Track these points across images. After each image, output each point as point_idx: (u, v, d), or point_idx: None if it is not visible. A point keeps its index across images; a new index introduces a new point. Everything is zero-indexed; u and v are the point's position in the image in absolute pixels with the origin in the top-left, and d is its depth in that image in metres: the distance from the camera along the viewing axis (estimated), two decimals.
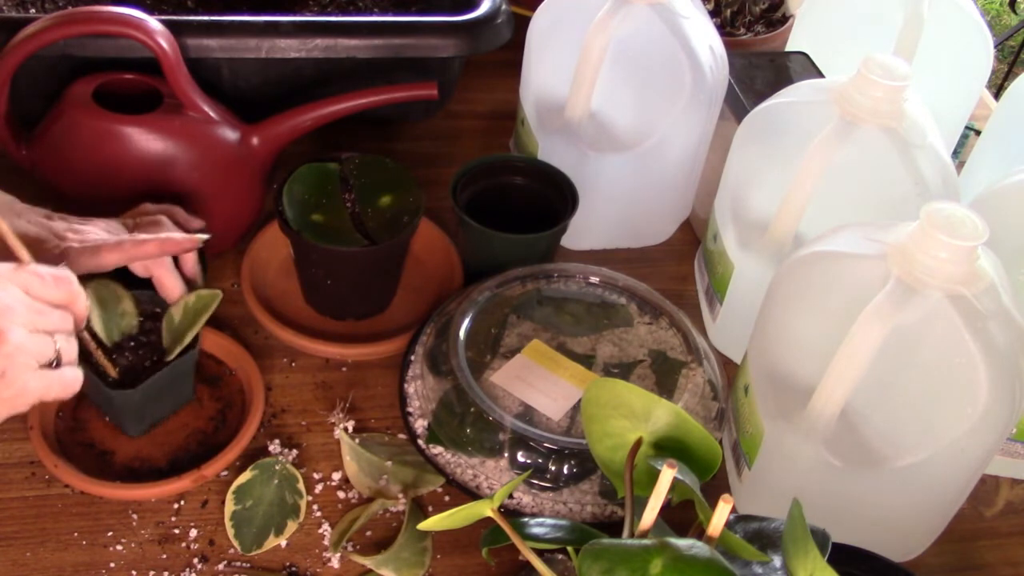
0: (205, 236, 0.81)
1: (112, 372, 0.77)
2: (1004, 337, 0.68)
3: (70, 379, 0.68)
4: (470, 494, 0.79)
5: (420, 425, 0.83)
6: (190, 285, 0.82)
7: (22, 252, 0.68)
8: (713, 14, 1.29)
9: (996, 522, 0.85)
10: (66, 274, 0.69)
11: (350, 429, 0.84)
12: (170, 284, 0.80)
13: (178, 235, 0.80)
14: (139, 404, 0.79)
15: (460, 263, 0.97)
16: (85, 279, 0.78)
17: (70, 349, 0.69)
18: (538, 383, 0.82)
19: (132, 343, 0.80)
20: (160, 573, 0.74)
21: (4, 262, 0.67)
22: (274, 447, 0.82)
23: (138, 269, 0.80)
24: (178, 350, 0.78)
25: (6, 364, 0.64)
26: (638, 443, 0.63)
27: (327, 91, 0.96)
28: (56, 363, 0.67)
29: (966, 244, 0.66)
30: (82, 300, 0.70)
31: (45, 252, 0.74)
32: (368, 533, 0.78)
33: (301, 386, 0.88)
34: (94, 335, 0.77)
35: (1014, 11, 2.43)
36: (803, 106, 0.87)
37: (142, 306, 0.81)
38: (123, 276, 0.80)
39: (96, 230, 0.78)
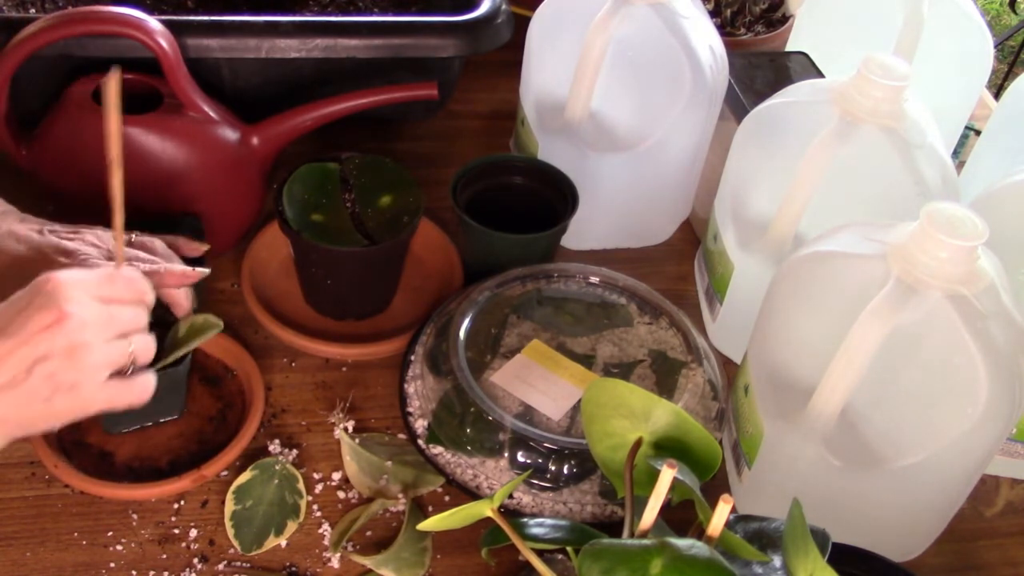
0: (206, 271, 0.80)
1: None
2: (1004, 337, 0.68)
3: (139, 388, 0.68)
4: (470, 494, 0.79)
5: (420, 425, 0.83)
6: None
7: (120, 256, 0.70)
8: (713, 14, 1.29)
9: (996, 522, 0.85)
10: (135, 275, 0.69)
11: (350, 429, 0.84)
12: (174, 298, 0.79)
13: (178, 268, 0.78)
14: None
15: (460, 263, 0.97)
16: None
17: (146, 349, 0.69)
18: (538, 383, 0.82)
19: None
20: (160, 573, 0.74)
21: (73, 268, 0.67)
22: (274, 447, 0.82)
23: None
24: (162, 364, 0.78)
25: (78, 377, 0.64)
26: (638, 443, 0.63)
27: (327, 91, 0.96)
28: (131, 369, 0.68)
29: (966, 244, 0.66)
30: (151, 294, 0.70)
31: (32, 274, 0.71)
32: (368, 533, 0.78)
33: (301, 386, 0.88)
34: None
35: (1014, 11, 2.43)
36: (803, 106, 0.87)
37: (156, 310, 0.81)
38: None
39: (85, 248, 0.75)
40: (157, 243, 0.79)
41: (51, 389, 0.64)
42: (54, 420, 0.66)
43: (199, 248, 0.84)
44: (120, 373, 0.67)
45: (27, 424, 0.65)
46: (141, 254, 0.77)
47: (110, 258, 0.75)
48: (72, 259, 0.74)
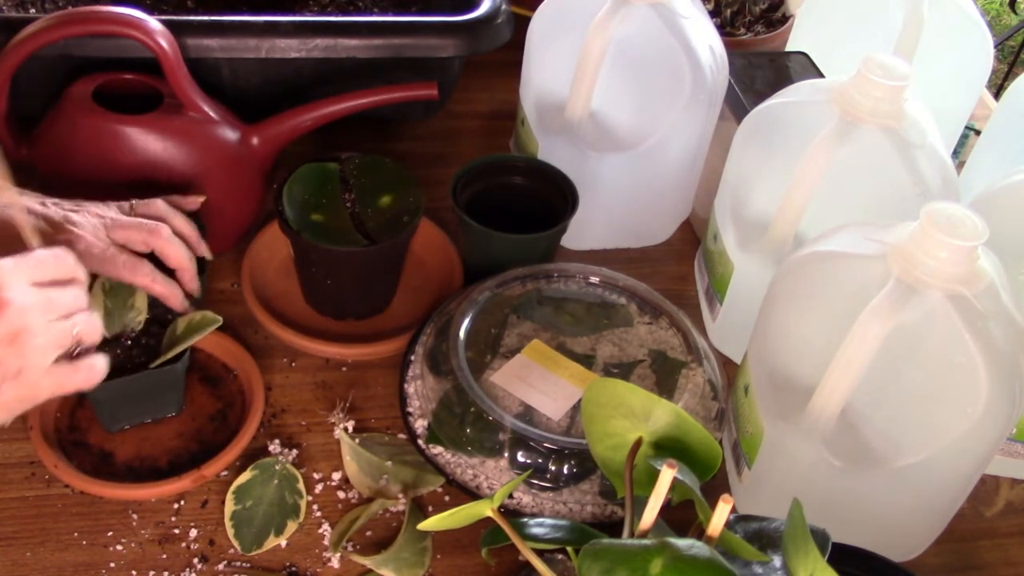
0: (207, 258, 0.83)
1: None
2: (1004, 337, 0.68)
3: (86, 370, 0.67)
4: (470, 494, 0.79)
5: (420, 425, 0.83)
6: (189, 298, 0.81)
7: (32, 241, 0.69)
8: (713, 14, 1.29)
9: (996, 522, 0.85)
10: (61, 252, 0.67)
11: (350, 429, 0.84)
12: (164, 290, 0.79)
13: (176, 252, 0.79)
14: (107, 401, 0.79)
15: (460, 263, 0.97)
16: None
17: (89, 328, 0.67)
18: (538, 383, 0.82)
19: (130, 340, 0.80)
20: (160, 573, 0.74)
21: (2, 257, 0.66)
22: (274, 447, 0.82)
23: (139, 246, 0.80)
24: (160, 360, 0.78)
25: (23, 363, 0.63)
26: (638, 443, 0.63)
27: (327, 91, 0.96)
28: (77, 351, 0.67)
29: (966, 244, 0.66)
30: (82, 271, 0.69)
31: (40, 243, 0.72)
32: (368, 533, 0.78)
33: (301, 386, 0.88)
34: None
35: (1014, 11, 2.43)
36: (803, 106, 0.87)
37: (156, 308, 0.81)
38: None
39: (90, 219, 0.77)
40: (159, 204, 0.80)
41: None
42: (3, 411, 0.64)
43: (196, 201, 0.85)
44: (67, 356, 0.66)
45: None
46: (133, 236, 0.77)
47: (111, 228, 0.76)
48: (79, 229, 0.74)
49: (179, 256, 0.79)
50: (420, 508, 0.80)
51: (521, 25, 1.05)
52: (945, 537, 0.81)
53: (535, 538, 0.63)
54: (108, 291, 0.79)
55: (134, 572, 0.74)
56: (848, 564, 0.67)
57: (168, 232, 0.79)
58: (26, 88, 0.89)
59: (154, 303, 0.81)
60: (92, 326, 0.68)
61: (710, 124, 0.99)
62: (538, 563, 0.61)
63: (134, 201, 0.80)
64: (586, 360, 0.85)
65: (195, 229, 0.82)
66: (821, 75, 1.03)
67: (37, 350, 0.64)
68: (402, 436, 0.85)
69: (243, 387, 0.86)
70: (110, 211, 0.78)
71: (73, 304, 0.67)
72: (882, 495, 0.75)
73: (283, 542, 0.77)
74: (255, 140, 0.93)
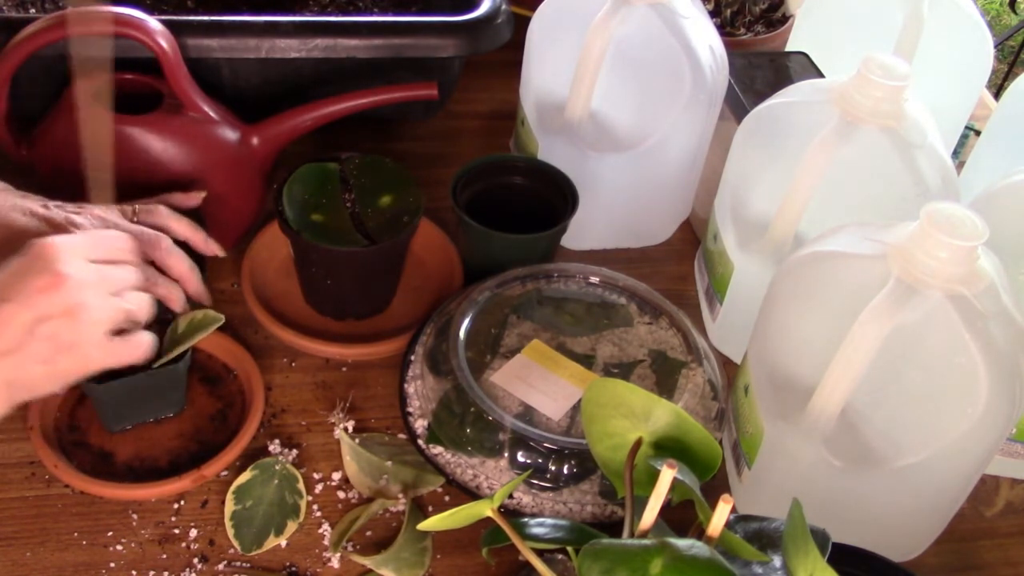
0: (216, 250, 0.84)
1: None
2: (1004, 337, 0.68)
3: (136, 345, 0.71)
4: (470, 494, 0.79)
5: (420, 425, 0.83)
6: (194, 304, 0.82)
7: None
8: (713, 14, 1.29)
9: (996, 522, 0.85)
10: (117, 233, 0.72)
11: (350, 429, 0.84)
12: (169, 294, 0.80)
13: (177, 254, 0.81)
14: (110, 401, 0.79)
15: (460, 263, 0.97)
16: None
17: (141, 305, 0.71)
18: (538, 383, 0.82)
19: None
20: (160, 573, 0.74)
21: (58, 234, 0.70)
22: (274, 447, 0.82)
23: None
24: (163, 360, 0.78)
25: (77, 336, 0.66)
26: (638, 443, 0.63)
27: (327, 91, 0.96)
28: (130, 326, 0.70)
29: (966, 244, 0.66)
30: (135, 253, 0.73)
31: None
32: (368, 533, 0.78)
33: (301, 386, 0.88)
34: None
35: (1014, 11, 2.43)
36: (803, 106, 0.87)
37: (157, 308, 0.81)
38: None
39: (92, 221, 0.78)
40: (161, 210, 0.82)
41: (53, 350, 0.66)
42: (57, 380, 0.68)
43: (198, 197, 0.86)
44: (119, 332, 0.69)
45: (31, 386, 0.67)
46: (146, 231, 0.79)
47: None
48: (81, 231, 0.75)
49: (180, 268, 0.80)
50: (420, 508, 0.80)
51: (521, 25, 1.05)
52: (945, 537, 0.81)
53: (535, 538, 0.63)
54: None
55: (134, 572, 0.74)
56: (848, 564, 0.67)
57: (168, 244, 0.79)
58: (26, 88, 0.89)
59: (156, 302, 0.81)
60: (144, 303, 0.71)
61: (710, 124, 0.99)
62: (538, 563, 0.61)
63: (136, 206, 0.81)
64: (586, 360, 0.85)
65: (199, 230, 0.82)
66: (821, 75, 1.03)
67: (92, 324, 0.67)
68: (402, 436, 0.85)
69: (243, 387, 0.86)
70: (112, 215, 0.79)
71: (126, 281, 0.70)
72: (882, 495, 0.75)
73: (283, 542, 0.77)
74: (255, 140, 0.93)
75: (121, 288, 0.70)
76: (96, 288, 0.67)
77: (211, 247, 0.84)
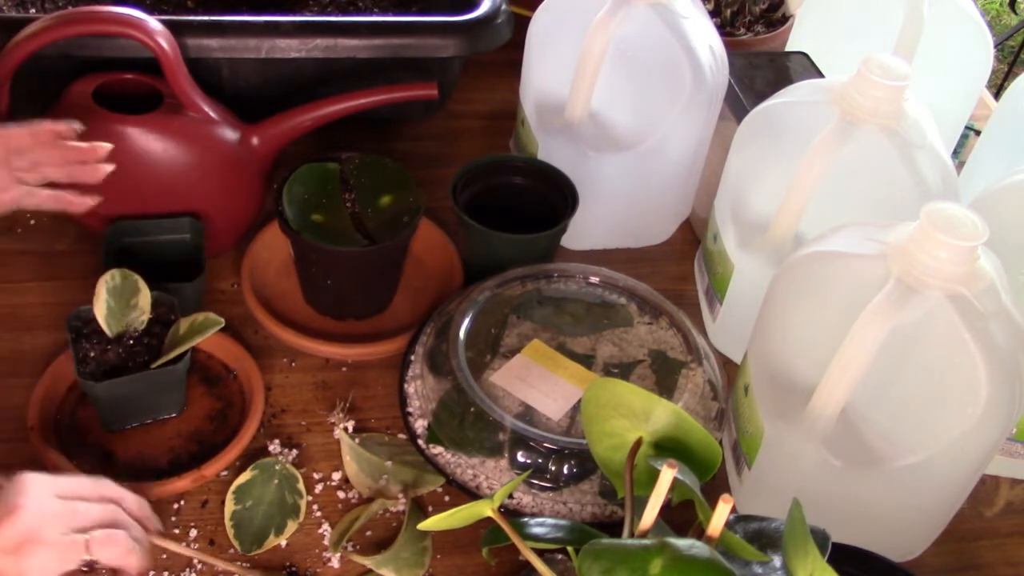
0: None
1: None
2: (1004, 337, 0.68)
3: None
4: (470, 494, 0.79)
5: (420, 425, 0.83)
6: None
7: None
8: (713, 14, 1.29)
9: (996, 522, 0.85)
10: (104, 480, 0.67)
11: (350, 429, 0.84)
12: None
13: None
14: (110, 401, 0.79)
15: (460, 263, 0.97)
16: (109, 266, 0.80)
17: (108, 542, 0.63)
18: (538, 383, 0.82)
19: (131, 340, 0.80)
20: (160, 573, 0.74)
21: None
22: (274, 447, 0.82)
23: None
24: (162, 360, 0.78)
25: (24, 573, 0.61)
26: (638, 443, 0.63)
27: (327, 91, 0.96)
28: (91, 567, 0.63)
29: (966, 244, 0.66)
30: (129, 498, 0.68)
31: None
32: (368, 533, 0.78)
33: (301, 386, 0.88)
34: (90, 319, 0.78)
35: (1014, 11, 2.43)
36: (803, 106, 0.87)
37: (158, 308, 0.81)
38: (148, 274, 0.81)
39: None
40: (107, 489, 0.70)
41: None
42: None
43: (104, 170, 0.82)
44: (78, 572, 0.63)
45: None
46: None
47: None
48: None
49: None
50: (420, 508, 0.80)
51: (521, 25, 1.05)
52: (945, 537, 0.81)
53: (535, 538, 0.63)
54: (111, 290, 0.79)
55: None
56: (848, 564, 0.67)
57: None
58: (26, 88, 0.89)
59: (157, 303, 0.81)
60: (111, 540, 0.64)
61: (710, 124, 0.99)
62: (538, 563, 0.61)
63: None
64: (586, 360, 0.85)
65: (146, 510, 0.71)
66: (821, 75, 1.03)
67: (39, 565, 0.61)
68: (402, 436, 0.85)
69: (243, 387, 0.86)
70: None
71: (97, 518, 0.64)
72: (882, 495, 0.75)
73: (283, 542, 0.77)
74: (255, 140, 0.93)
75: (88, 525, 0.63)
76: (55, 522, 0.62)
77: (153, 523, 0.71)
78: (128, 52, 0.90)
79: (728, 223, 0.92)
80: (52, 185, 0.81)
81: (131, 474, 0.79)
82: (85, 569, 0.63)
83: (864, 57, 0.81)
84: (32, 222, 0.99)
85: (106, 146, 0.81)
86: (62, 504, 0.63)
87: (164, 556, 0.75)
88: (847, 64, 0.85)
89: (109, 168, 0.81)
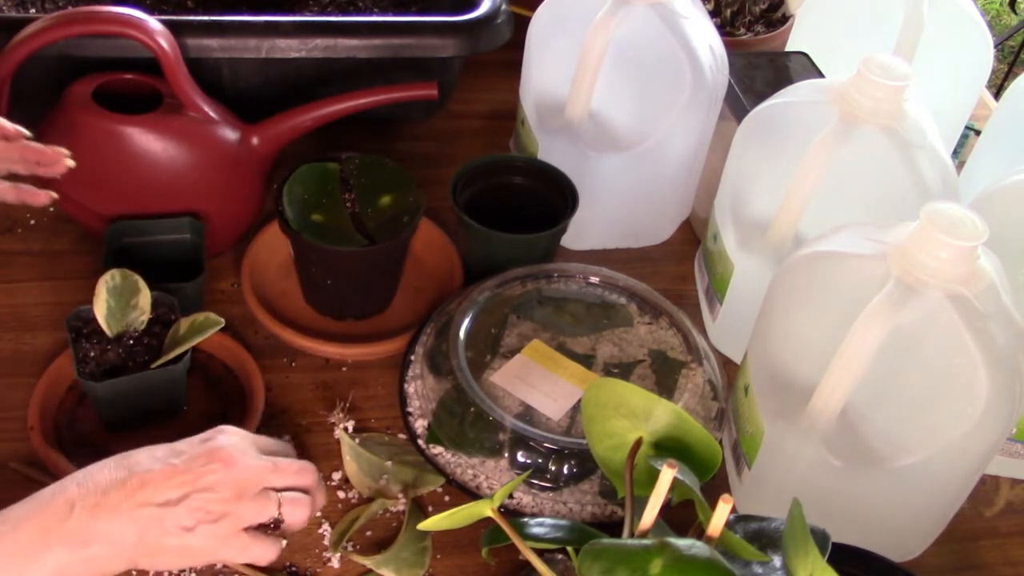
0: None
1: None
2: (1004, 337, 0.68)
3: (265, 548, 0.69)
4: (470, 494, 0.79)
5: (420, 425, 0.83)
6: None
7: None
8: (713, 14, 1.29)
9: (996, 522, 0.85)
10: (308, 466, 0.72)
11: (350, 429, 0.84)
12: None
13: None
14: (110, 401, 0.79)
15: (460, 263, 0.97)
16: (109, 266, 0.80)
17: (293, 511, 0.69)
18: (538, 383, 0.82)
19: (131, 340, 0.80)
20: (160, 573, 0.74)
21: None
22: None
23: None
24: (162, 360, 0.78)
25: (220, 520, 0.66)
26: (638, 443, 0.63)
27: (327, 91, 0.96)
28: (273, 526, 0.69)
29: (966, 244, 0.66)
30: (322, 491, 0.73)
31: None
32: (368, 533, 0.78)
33: (301, 386, 0.88)
34: (90, 319, 0.78)
35: (1014, 11, 2.43)
36: (803, 106, 0.87)
37: (158, 308, 0.81)
38: (147, 274, 0.81)
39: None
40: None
41: (193, 521, 0.65)
42: (180, 557, 0.67)
43: (61, 154, 0.82)
44: (260, 527, 0.69)
45: (155, 551, 0.65)
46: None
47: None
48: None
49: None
50: (420, 508, 0.80)
51: (521, 25, 1.05)
52: (945, 537, 0.81)
53: (535, 538, 0.63)
54: (111, 290, 0.79)
55: (134, 572, 0.74)
56: (848, 564, 0.67)
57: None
58: (26, 88, 0.89)
59: (157, 303, 0.81)
60: (301, 509, 0.70)
61: (710, 124, 0.99)
62: (538, 563, 0.61)
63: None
64: (586, 360, 0.85)
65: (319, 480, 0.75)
66: (821, 75, 1.03)
67: (241, 514, 0.67)
68: (402, 436, 0.85)
69: (243, 387, 0.86)
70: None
71: (295, 480, 0.70)
72: (882, 495, 0.75)
73: (283, 542, 0.77)
74: (255, 140, 0.93)
75: (287, 484, 0.69)
76: (264, 478, 0.68)
77: None
78: (128, 52, 0.90)
79: (728, 223, 0.92)
80: (13, 177, 0.82)
81: None
82: (270, 524, 0.69)
83: (864, 57, 0.81)
84: (32, 222, 0.99)
85: (65, 152, 0.82)
86: (266, 459, 0.69)
87: None
88: (847, 64, 0.85)
89: (70, 164, 0.82)
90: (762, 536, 0.62)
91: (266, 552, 0.69)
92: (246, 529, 0.67)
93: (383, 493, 0.80)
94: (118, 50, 0.92)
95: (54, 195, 0.84)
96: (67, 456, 0.79)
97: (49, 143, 0.89)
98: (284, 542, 0.71)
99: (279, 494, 0.69)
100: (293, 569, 0.75)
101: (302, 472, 0.71)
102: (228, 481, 0.66)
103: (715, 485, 0.80)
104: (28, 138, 0.82)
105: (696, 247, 1.06)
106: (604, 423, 0.64)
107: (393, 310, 0.95)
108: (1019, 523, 0.85)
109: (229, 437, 0.69)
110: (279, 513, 0.69)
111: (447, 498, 0.81)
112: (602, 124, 1.01)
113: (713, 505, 0.57)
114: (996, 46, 1.79)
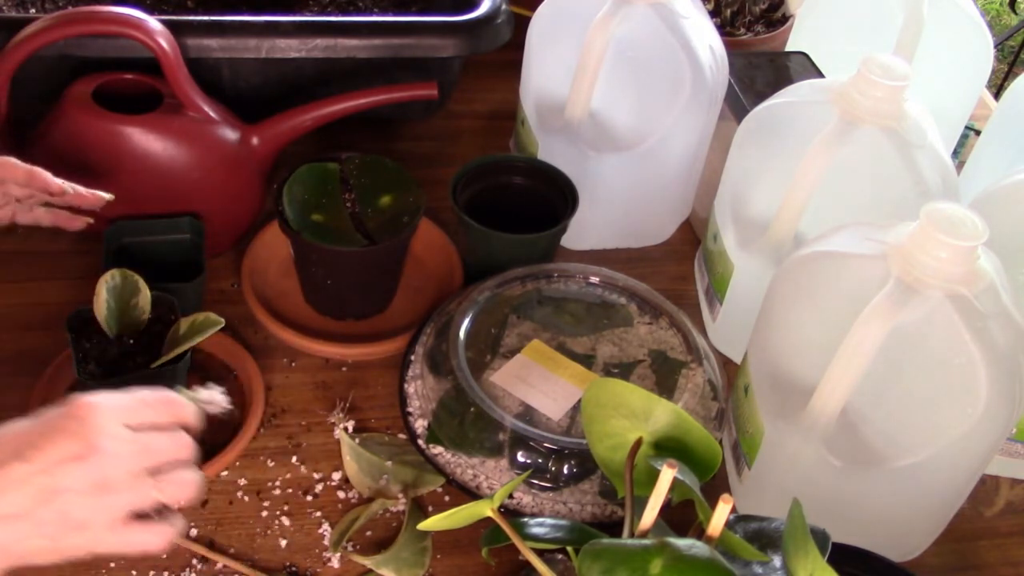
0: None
1: None
2: (1004, 337, 0.68)
3: (157, 535, 0.61)
4: (470, 494, 0.79)
5: (420, 425, 0.83)
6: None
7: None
8: (713, 14, 1.29)
9: (996, 522, 0.85)
10: (169, 395, 0.63)
11: (350, 429, 0.84)
12: None
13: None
14: None
15: (460, 263, 0.97)
16: (109, 266, 0.80)
17: (181, 488, 0.61)
18: (538, 383, 0.82)
19: (131, 340, 0.80)
20: (160, 573, 0.74)
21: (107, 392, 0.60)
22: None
23: None
24: (162, 360, 0.78)
25: (91, 518, 0.58)
26: (638, 443, 0.63)
27: (327, 91, 0.96)
28: (158, 511, 0.61)
29: (966, 244, 0.66)
30: (194, 416, 0.63)
31: None
32: (368, 533, 0.78)
33: (301, 386, 0.88)
34: (90, 319, 0.78)
35: (1014, 11, 2.43)
36: (803, 106, 0.87)
37: (158, 308, 0.81)
38: (148, 274, 0.81)
39: None
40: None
41: (62, 526, 0.58)
42: (57, 556, 0.59)
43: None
44: (142, 516, 0.60)
45: (26, 557, 0.58)
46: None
47: None
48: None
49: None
50: (420, 508, 0.80)
51: (521, 25, 1.05)
52: (945, 537, 0.81)
53: (535, 538, 0.63)
54: (111, 290, 0.79)
55: (134, 572, 0.74)
56: (848, 564, 0.67)
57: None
58: (26, 88, 0.89)
59: (157, 303, 0.81)
60: (184, 485, 0.61)
61: (710, 124, 0.99)
62: (538, 563, 0.61)
63: None
64: (586, 360, 0.85)
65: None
66: (821, 75, 1.03)
67: (109, 508, 0.59)
68: (402, 436, 0.85)
69: (243, 387, 0.86)
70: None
71: (169, 453, 0.61)
72: (882, 495, 0.75)
73: (283, 542, 0.77)
74: (255, 140, 0.93)
75: (161, 464, 0.60)
76: (129, 462, 0.59)
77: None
78: (128, 52, 0.90)
79: (728, 223, 0.92)
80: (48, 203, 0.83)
81: None
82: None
83: (864, 57, 0.81)
84: None
85: (105, 196, 0.83)
86: (134, 442, 0.59)
87: (164, 556, 0.75)
88: (847, 64, 0.85)
89: (109, 197, 0.83)
90: (762, 536, 0.62)
91: (154, 539, 0.60)
92: (125, 519, 0.59)
93: (383, 493, 0.80)
94: (118, 50, 0.92)
95: (90, 220, 0.85)
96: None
97: (49, 143, 0.89)
98: (180, 524, 0.62)
99: (162, 476, 0.60)
100: (293, 569, 0.75)
101: (178, 446, 0.61)
102: (88, 480, 0.57)
103: (715, 485, 0.80)
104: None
105: (696, 247, 1.06)
106: (604, 423, 0.64)
107: (393, 310, 0.95)
108: (1019, 523, 0.85)
109: (90, 411, 0.59)
110: (160, 497, 0.60)
111: (447, 498, 0.81)
112: (602, 124, 1.01)
113: (713, 505, 0.57)
114: (996, 46, 1.79)
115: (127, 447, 0.59)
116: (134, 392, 0.62)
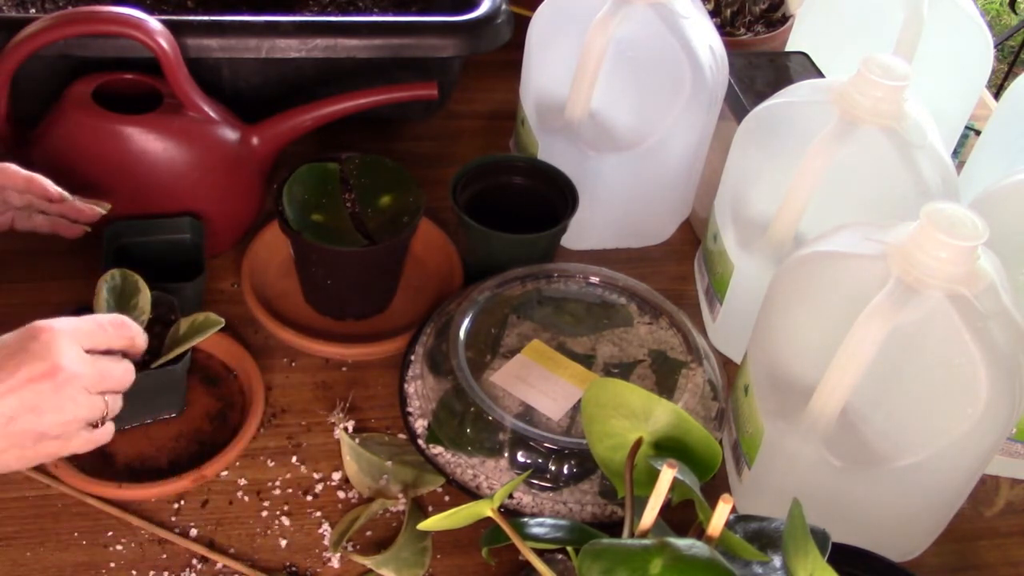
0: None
1: None
2: (1004, 337, 0.68)
3: (103, 437, 0.70)
4: (470, 494, 0.79)
5: (420, 425, 0.83)
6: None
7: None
8: (713, 14, 1.29)
9: (996, 522, 0.85)
10: (123, 319, 0.71)
11: (350, 429, 0.84)
12: None
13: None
14: None
15: (460, 263, 0.97)
16: (109, 266, 0.80)
17: (116, 406, 0.70)
18: (538, 383, 0.82)
19: None
20: (160, 573, 0.74)
21: (65, 317, 0.68)
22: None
23: None
24: (162, 360, 0.78)
25: (59, 431, 0.66)
26: (638, 443, 0.63)
27: (327, 91, 0.96)
28: (101, 421, 0.69)
29: (966, 244, 0.66)
30: (142, 339, 0.72)
31: None
32: (368, 533, 0.78)
33: (301, 386, 0.88)
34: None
35: (1014, 11, 2.43)
36: (803, 106, 0.87)
37: (158, 308, 0.81)
38: (148, 274, 0.81)
39: None
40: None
41: (32, 439, 0.64)
42: (29, 463, 0.67)
43: (98, 212, 0.85)
44: (91, 424, 0.68)
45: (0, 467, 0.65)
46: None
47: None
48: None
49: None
50: (420, 508, 0.80)
51: (521, 25, 1.05)
52: (945, 537, 0.81)
53: (535, 538, 0.63)
54: (111, 290, 0.79)
55: (134, 572, 0.74)
56: (848, 564, 0.67)
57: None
58: (26, 88, 0.89)
59: (157, 303, 0.81)
60: (118, 404, 0.70)
61: (710, 124, 1.00)
62: (538, 563, 0.61)
63: None
64: (586, 360, 0.85)
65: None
66: (821, 75, 1.03)
67: (76, 421, 0.66)
68: (402, 436, 0.85)
69: (243, 387, 0.86)
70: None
71: (120, 381, 0.69)
72: (882, 495, 0.75)
73: (283, 542, 0.77)
74: (255, 140, 0.93)
75: (113, 388, 0.69)
76: (88, 383, 0.66)
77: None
78: (128, 52, 0.90)
79: (728, 223, 0.92)
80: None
81: (131, 474, 0.80)
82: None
83: (864, 57, 0.81)
84: None
85: (102, 209, 0.84)
86: (92, 365, 0.66)
87: (164, 556, 0.75)
88: (847, 64, 0.85)
89: (103, 210, 0.85)
90: (762, 536, 0.62)
91: (102, 440, 0.69)
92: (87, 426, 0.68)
93: (383, 493, 0.80)
94: (118, 50, 0.92)
95: (87, 228, 0.86)
96: (67, 456, 0.79)
97: (49, 143, 0.89)
98: (111, 426, 0.70)
99: (107, 397, 0.68)
100: (293, 569, 0.75)
101: (126, 375, 0.70)
102: (53, 399, 0.64)
103: (715, 485, 0.80)
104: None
105: (696, 247, 1.06)
106: (604, 423, 0.64)
107: (393, 310, 0.95)
108: (1019, 523, 0.85)
109: (53, 335, 0.65)
110: (105, 409, 0.68)
111: (447, 498, 0.81)
112: (602, 124, 1.01)
113: (713, 505, 0.57)
114: (996, 46, 1.79)
115: (86, 367, 0.66)
116: (90, 316, 0.69)
